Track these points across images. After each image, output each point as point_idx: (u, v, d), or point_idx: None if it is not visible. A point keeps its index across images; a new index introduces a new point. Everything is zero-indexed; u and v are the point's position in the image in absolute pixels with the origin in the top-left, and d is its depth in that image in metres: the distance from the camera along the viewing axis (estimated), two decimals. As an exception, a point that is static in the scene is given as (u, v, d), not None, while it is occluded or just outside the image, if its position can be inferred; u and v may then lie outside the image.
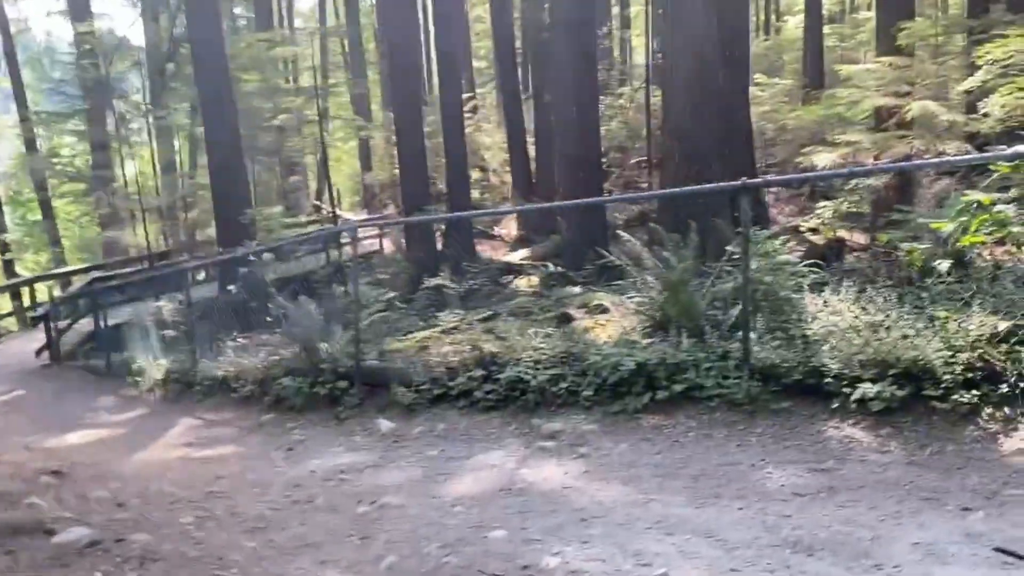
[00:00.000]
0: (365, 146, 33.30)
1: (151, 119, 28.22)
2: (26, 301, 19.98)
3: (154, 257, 20.93)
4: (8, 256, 28.59)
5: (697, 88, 10.23)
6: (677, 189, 8.47)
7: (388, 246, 20.29)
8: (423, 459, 5.45)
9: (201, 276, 16.96)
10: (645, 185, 18.91)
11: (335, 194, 32.34)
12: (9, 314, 20.86)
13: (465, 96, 23.02)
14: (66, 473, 5.98)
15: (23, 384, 12.55)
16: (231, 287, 12.52)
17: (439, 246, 16.28)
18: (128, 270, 19.65)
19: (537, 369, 6.12)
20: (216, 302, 12.22)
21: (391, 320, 8.51)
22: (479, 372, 6.34)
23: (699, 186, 6.68)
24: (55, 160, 31.65)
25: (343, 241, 21.35)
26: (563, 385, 5.91)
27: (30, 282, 20.53)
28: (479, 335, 6.98)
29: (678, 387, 5.47)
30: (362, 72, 34.05)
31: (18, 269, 27.89)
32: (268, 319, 9.37)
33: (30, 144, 30.31)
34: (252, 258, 13.05)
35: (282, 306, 8.46)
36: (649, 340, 6.17)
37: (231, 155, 15.82)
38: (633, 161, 20.95)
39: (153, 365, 10.25)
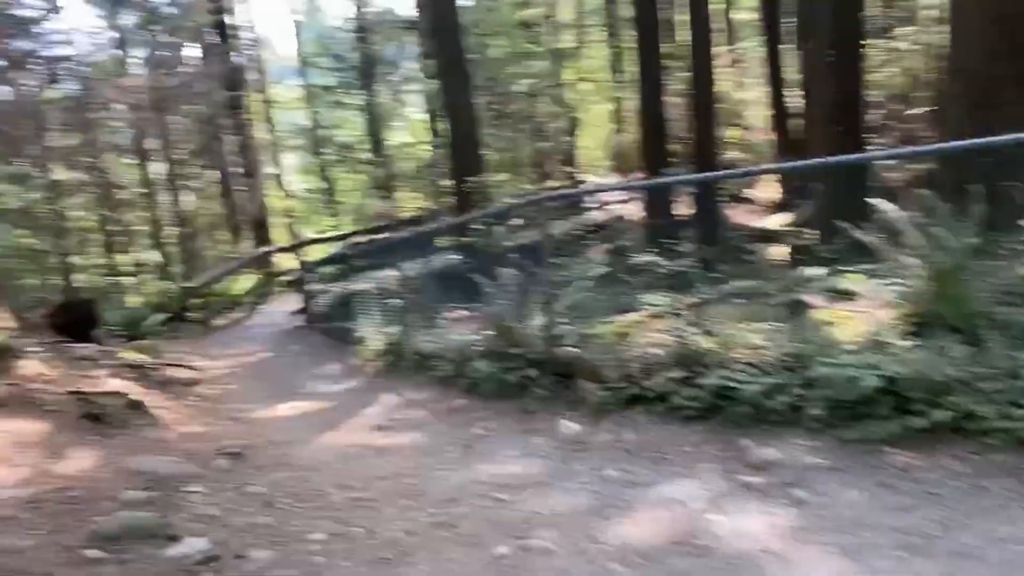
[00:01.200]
0: (618, 107, 32.38)
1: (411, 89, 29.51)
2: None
3: (405, 223, 21.69)
4: (293, 221, 31.62)
5: (992, 14, 8.05)
6: (957, 143, 6.60)
7: (636, 212, 19.28)
8: (598, 481, 4.52)
9: (442, 243, 17.15)
10: (929, 140, 16.09)
11: (583, 159, 31.78)
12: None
13: (725, 49, 21.22)
14: (243, 456, 5.85)
15: (271, 345, 13.37)
16: (454, 256, 12.30)
17: (682, 212, 15.02)
18: (380, 236, 20.50)
19: (753, 375, 4.90)
20: (440, 271, 12.02)
21: (600, 299, 7.58)
22: (680, 372, 5.25)
23: (991, 138, 4.94)
24: (334, 133, 34.38)
25: (586, 206, 20.66)
26: (784, 398, 4.65)
27: (302, 245, 22.19)
28: (688, 324, 5.84)
29: (941, 414, 4.02)
30: (618, 29, 32.95)
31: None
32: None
33: (311, 116, 33.21)
34: (480, 225, 12.67)
35: (487, 279, 7.86)
36: (906, 344, 4.68)
37: (467, 122, 15.70)
38: (913, 112, 17.98)
39: (375, 334, 10.25)
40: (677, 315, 6.18)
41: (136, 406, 7.06)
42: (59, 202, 22.24)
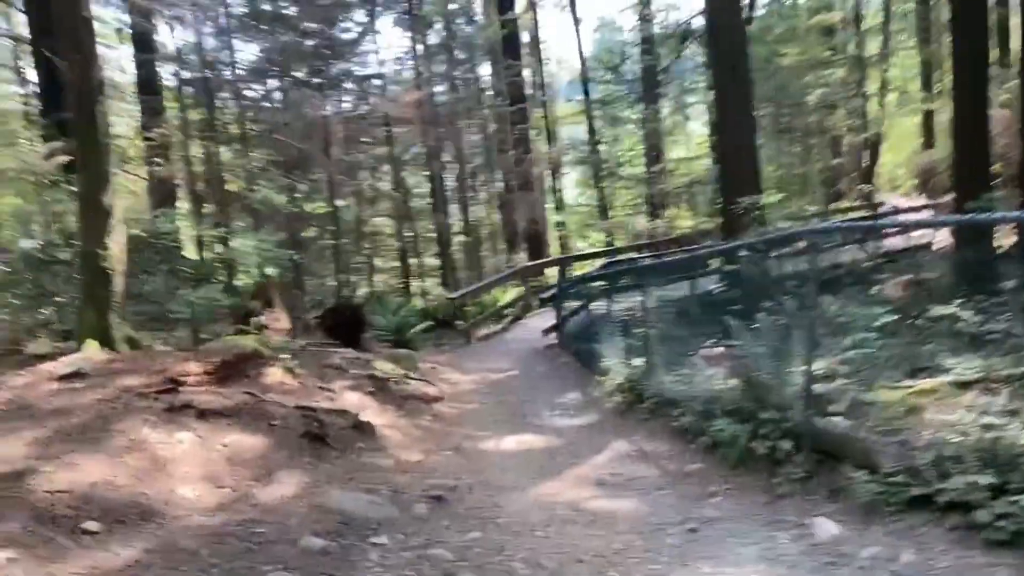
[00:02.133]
0: (929, 120, 28.61)
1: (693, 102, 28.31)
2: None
3: (670, 243, 20.65)
4: (565, 235, 31.82)
5: None
6: None
7: (944, 239, 16.53)
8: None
9: (708, 268, 15.88)
10: None
11: (883, 177, 28.50)
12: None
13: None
14: (447, 501, 5.33)
15: (520, 363, 13.05)
16: (719, 284, 11.09)
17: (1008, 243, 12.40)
18: (642, 256, 19.66)
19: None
20: (700, 299, 10.89)
21: (885, 355, 6.11)
22: (988, 477, 3.81)
23: None
24: (611, 147, 34.20)
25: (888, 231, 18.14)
26: None
27: (566, 260, 22.00)
28: (1006, 407, 4.32)
29: None
30: (932, 33, 29.14)
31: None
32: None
33: (591, 131, 33.25)
34: (747, 251, 11.34)
35: (744, 317, 6.72)
36: None
37: (742, 136, 14.35)
38: None
39: (621, 364, 9.45)
40: (990, 391, 4.64)
41: (361, 427, 6.89)
42: (359, 211, 24.17)
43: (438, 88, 27.29)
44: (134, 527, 4.29)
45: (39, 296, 8.95)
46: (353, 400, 7.85)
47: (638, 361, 8.93)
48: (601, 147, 33.26)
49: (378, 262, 25.24)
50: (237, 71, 21.33)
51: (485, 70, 29.31)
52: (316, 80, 21.89)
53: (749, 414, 5.70)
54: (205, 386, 6.95)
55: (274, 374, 7.71)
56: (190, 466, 5.23)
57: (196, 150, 20.76)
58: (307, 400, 7.20)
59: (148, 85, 20.79)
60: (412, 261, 26.40)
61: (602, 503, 5.41)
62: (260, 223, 17.94)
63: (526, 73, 30.46)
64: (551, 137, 34.33)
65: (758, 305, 6.64)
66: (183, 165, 20.16)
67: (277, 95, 22.58)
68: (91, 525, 4.17)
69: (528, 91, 30.35)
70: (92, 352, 7.66)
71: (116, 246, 8.21)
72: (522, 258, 26.29)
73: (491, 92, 29.27)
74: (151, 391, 6.46)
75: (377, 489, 5.50)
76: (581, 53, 33.07)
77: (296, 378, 7.90)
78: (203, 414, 6.10)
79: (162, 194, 18.16)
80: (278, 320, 12.93)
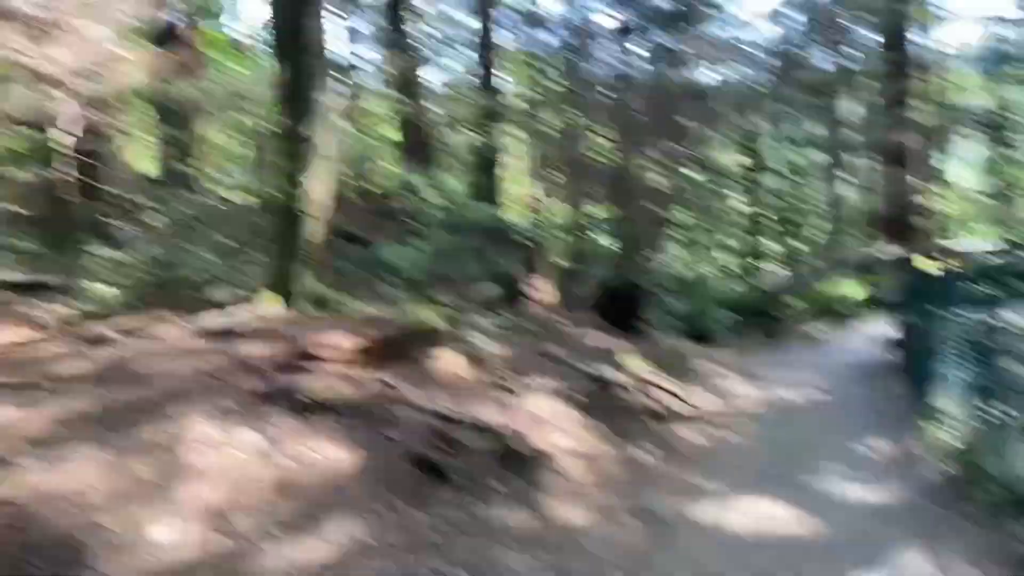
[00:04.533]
0: None
1: None
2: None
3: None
4: (947, 224, 26.19)
5: None
6: None
7: None
8: None
9: None
10: None
11: None
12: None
13: None
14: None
15: (834, 383, 9.94)
16: None
17: None
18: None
19: None
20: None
21: None
22: None
23: None
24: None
25: None
26: None
27: (940, 255, 17.50)
28: None
29: None
30: None
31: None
32: None
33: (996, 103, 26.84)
34: None
35: None
36: None
37: None
38: None
39: (961, 413, 6.26)
40: None
41: (515, 456, 4.90)
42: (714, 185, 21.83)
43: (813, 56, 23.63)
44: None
45: (248, 240, 8.29)
46: (538, 410, 5.87)
47: (993, 414, 5.69)
48: (1012, 121, 26.62)
49: (702, 239, 22.64)
50: (596, 36, 20.15)
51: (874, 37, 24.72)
52: (679, 44, 19.85)
53: None
54: (346, 366, 5.48)
55: (447, 361, 6.02)
56: (210, 486, 3.71)
57: (549, 117, 20.11)
58: (463, 404, 5.38)
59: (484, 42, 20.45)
60: (746, 240, 23.40)
61: None
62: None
63: (922, 39, 25.19)
64: (944, 109, 28.33)
65: None
66: (534, 132, 19.66)
67: (635, 60, 21.00)
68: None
69: (923, 59, 25.10)
70: (262, 308, 6.65)
71: (317, 187, 7.11)
72: (885, 248, 21.86)
73: (879, 60, 24.68)
74: (269, 366, 5.14)
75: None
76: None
77: (477, 369, 6.13)
78: (300, 407, 4.60)
79: (419, 155, 17.58)
80: (541, 291, 11.37)
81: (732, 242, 24.16)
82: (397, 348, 5.86)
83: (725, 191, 22.45)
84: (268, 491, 3.80)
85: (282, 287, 6.87)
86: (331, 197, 7.32)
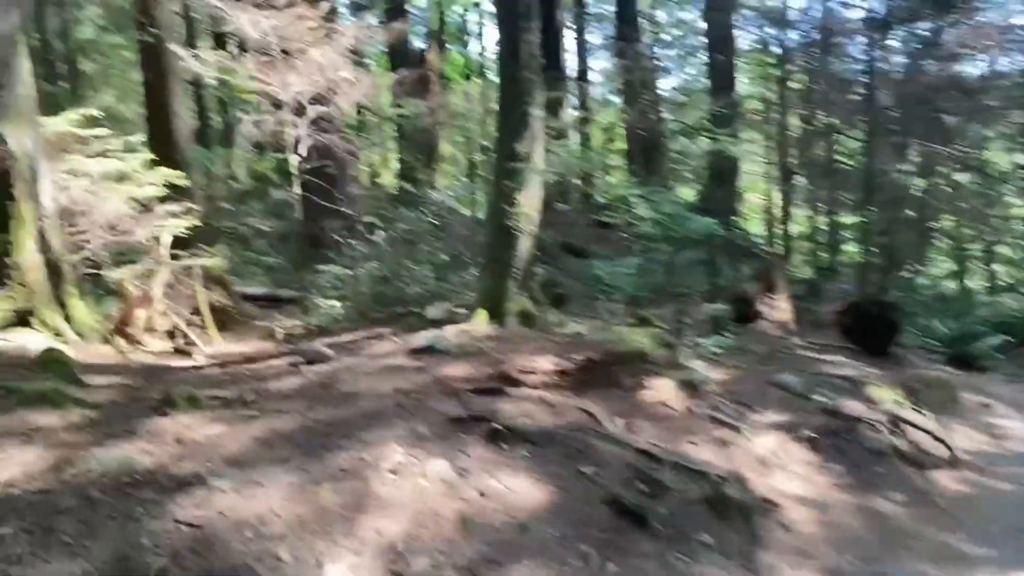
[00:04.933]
0: None
1: None
2: None
3: None
4: None
5: None
6: None
7: None
8: None
9: None
10: None
11: None
12: None
13: None
14: None
15: None
16: None
17: None
18: None
19: None
20: None
21: None
22: None
23: None
24: None
25: None
26: None
27: None
28: None
29: None
30: None
31: None
32: None
33: None
34: None
35: None
36: None
37: None
38: None
39: None
40: None
41: (731, 503, 4.29)
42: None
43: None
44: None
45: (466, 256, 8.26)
46: (763, 449, 5.17)
47: None
48: None
49: (971, 249, 19.86)
50: (843, 30, 18.55)
51: None
52: (943, 34, 17.71)
53: None
54: (547, 390, 5.17)
55: (659, 389, 5.51)
56: (392, 520, 3.51)
57: (791, 119, 18.84)
58: (673, 439, 4.85)
59: (721, 44, 19.52)
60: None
61: None
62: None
63: None
64: None
65: None
66: (775, 135, 18.50)
67: (888, 54, 19.03)
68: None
69: None
70: (473, 324, 6.55)
71: (528, 202, 6.91)
72: None
73: None
74: (468, 388, 4.95)
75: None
76: None
77: (692, 399, 5.55)
78: (494, 434, 4.33)
79: (648, 165, 16.76)
80: (777, 309, 10.40)
81: (1007, 252, 21.04)
82: (603, 372, 5.46)
83: (999, 194, 19.59)
84: (451, 528, 3.55)
85: (493, 305, 6.72)
86: (541, 212, 7.07)
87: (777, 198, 18.55)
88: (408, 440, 4.14)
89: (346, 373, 5.30)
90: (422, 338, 5.95)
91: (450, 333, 6.20)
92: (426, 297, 7.41)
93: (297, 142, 8.07)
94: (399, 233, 8.11)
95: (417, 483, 3.81)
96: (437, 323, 6.71)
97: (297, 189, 8.43)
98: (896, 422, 6.47)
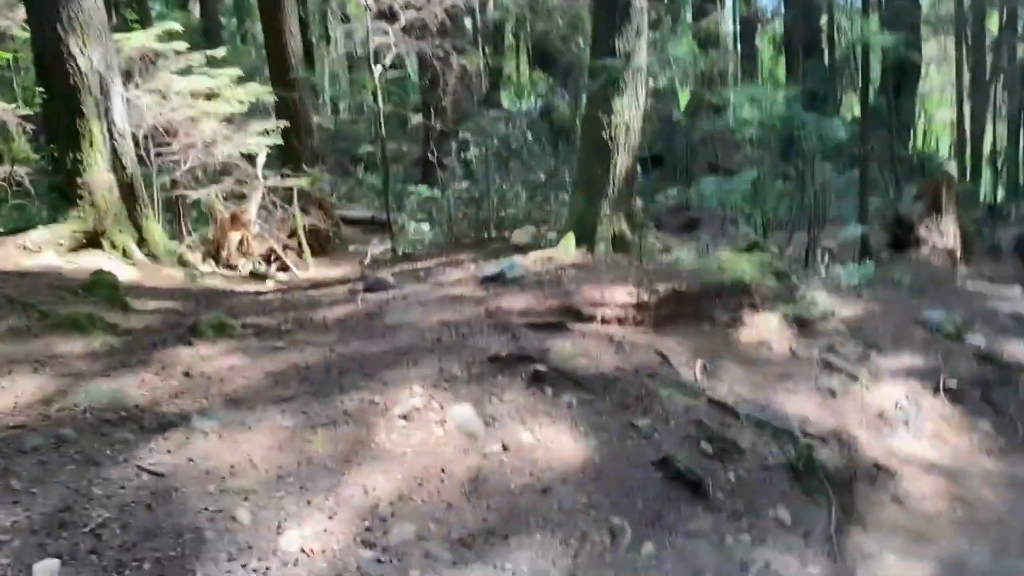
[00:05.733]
0: None
1: None
2: None
3: None
4: None
5: None
6: None
7: None
8: None
9: None
10: None
11: None
12: None
13: None
14: None
15: None
16: None
17: None
18: None
19: None
20: None
21: None
22: None
23: None
24: None
25: None
26: None
27: None
28: None
29: None
30: None
31: None
32: None
33: None
34: None
35: None
36: None
37: None
38: None
39: None
40: None
41: (825, 472, 3.45)
42: None
43: None
44: None
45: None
46: (885, 401, 4.21)
47: None
48: None
49: None
50: None
51: None
52: None
53: None
54: (621, 326, 4.45)
55: (760, 326, 4.63)
56: (387, 477, 2.99)
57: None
58: (763, 389, 4.00)
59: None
60: None
61: None
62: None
63: None
64: None
65: None
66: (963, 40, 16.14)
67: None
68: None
69: None
70: (559, 250, 5.85)
71: (627, 111, 6.04)
72: None
73: None
74: (525, 322, 4.32)
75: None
76: None
77: (805, 339, 4.63)
78: (540, 377, 3.70)
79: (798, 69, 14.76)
80: (941, 235, 8.90)
81: None
82: (692, 307, 4.64)
83: None
84: (456, 488, 2.99)
85: (584, 229, 5.99)
86: (639, 121, 6.17)
87: (963, 111, 16.19)
88: (433, 381, 3.59)
89: (400, 303, 4.81)
90: (495, 265, 5.34)
91: (529, 260, 5.55)
92: (519, 220, 6.76)
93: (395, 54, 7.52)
94: (492, 148, 7.43)
95: (431, 432, 3.26)
96: (522, 249, 6.08)
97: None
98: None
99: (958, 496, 3.67)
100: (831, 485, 3.31)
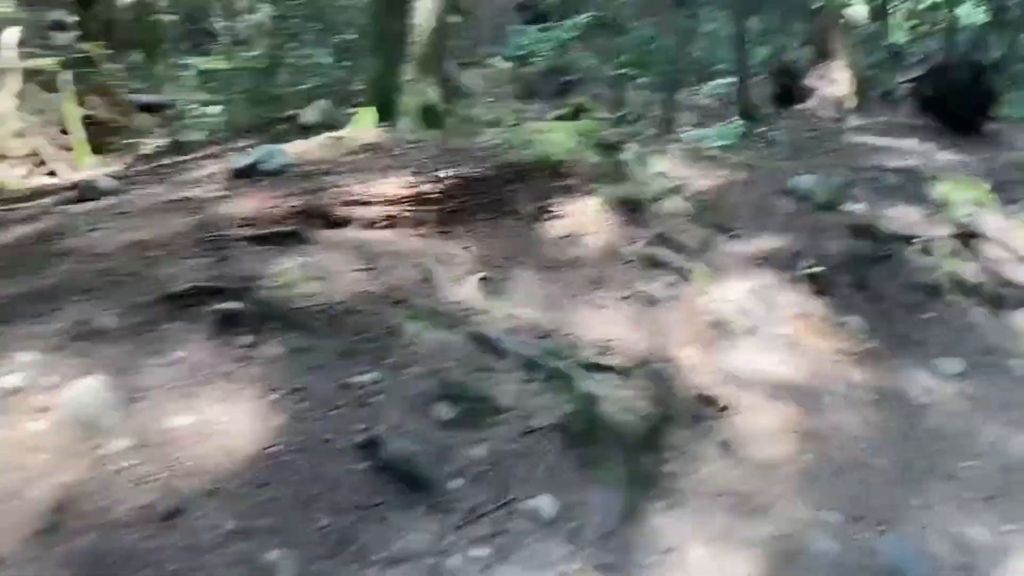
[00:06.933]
0: None
1: None
2: None
3: None
4: None
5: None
6: None
7: None
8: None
9: None
10: None
11: None
12: None
13: None
14: None
15: None
16: None
17: None
18: None
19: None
20: None
21: None
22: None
23: None
24: None
25: None
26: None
27: None
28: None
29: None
30: None
31: None
32: None
33: None
34: None
35: None
36: None
37: None
38: None
39: None
40: None
41: (625, 425, 2.46)
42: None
43: None
44: None
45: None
46: (725, 304, 3.25)
47: None
48: None
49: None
50: None
51: None
52: None
53: None
54: (391, 229, 3.33)
55: (576, 215, 3.57)
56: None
57: None
58: (562, 303, 2.98)
59: None
60: None
61: None
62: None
63: None
64: None
65: None
66: None
67: None
68: None
69: None
70: (352, 129, 4.63)
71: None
72: None
73: None
74: (244, 233, 3.16)
75: None
76: None
77: (624, 228, 3.59)
78: (232, 321, 2.59)
79: None
80: (833, 82, 7.91)
81: None
82: (493, 197, 3.53)
83: None
84: (25, 529, 1.90)
85: (383, 99, 4.76)
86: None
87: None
88: (62, 338, 2.45)
89: (102, 216, 3.57)
90: (250, 155, 4.11)
91: (306, 145, 4.33)
92: (315, 95, 5.46)
93: None
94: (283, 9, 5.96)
95: (22, 428, 2.15)
96: (310, 130, 4.84)
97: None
98: (967, 238, 4.36)
99: (810, 431, 2.78)
100: (624, 446, 2.35)
